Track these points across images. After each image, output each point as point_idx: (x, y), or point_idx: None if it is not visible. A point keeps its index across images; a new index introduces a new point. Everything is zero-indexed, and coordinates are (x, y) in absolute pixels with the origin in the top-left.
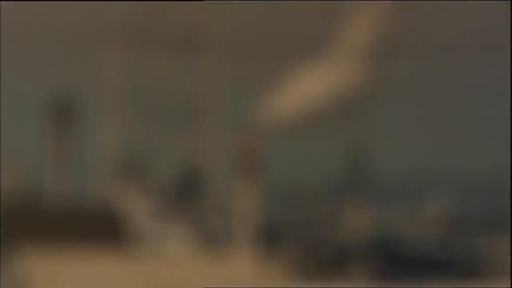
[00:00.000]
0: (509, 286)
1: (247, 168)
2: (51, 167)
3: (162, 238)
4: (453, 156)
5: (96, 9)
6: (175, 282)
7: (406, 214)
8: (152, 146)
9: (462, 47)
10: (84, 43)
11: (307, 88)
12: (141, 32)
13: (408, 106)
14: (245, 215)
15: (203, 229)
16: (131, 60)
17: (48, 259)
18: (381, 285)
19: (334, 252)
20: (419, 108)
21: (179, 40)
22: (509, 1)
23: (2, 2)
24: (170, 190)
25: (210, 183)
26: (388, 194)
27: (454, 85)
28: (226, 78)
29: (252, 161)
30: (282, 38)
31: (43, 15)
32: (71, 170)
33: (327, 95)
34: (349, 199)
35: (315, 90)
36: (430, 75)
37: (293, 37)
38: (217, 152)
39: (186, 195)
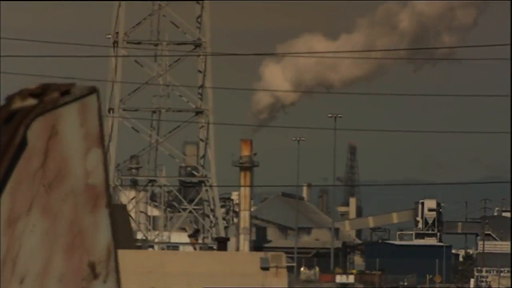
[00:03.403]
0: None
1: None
2: None
3: (164, 231)
4: None
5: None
6: (176, 273)
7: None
8: (154, 147)
9: None
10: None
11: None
12: (143, 32)
13: None
14: (243, 214)
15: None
16: (135, 59)
17: None
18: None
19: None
20: None
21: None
22: (509, 1)
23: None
24: (172, 189)
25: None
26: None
27: None
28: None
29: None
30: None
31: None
32: None
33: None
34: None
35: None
36: None
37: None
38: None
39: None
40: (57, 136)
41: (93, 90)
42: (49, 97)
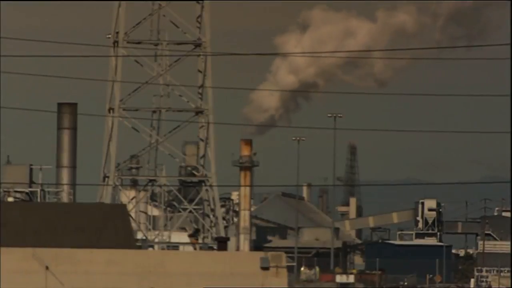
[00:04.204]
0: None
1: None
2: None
3: (165, 231)
4: None
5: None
6: (175, 272)
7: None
8: (154, 147)
9: None
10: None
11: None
12: (143, 32)
13: None
14: (243, 214)
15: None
16: (135, 59)
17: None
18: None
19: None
20: None
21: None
22: (509, 1)
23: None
24: (172, 189)
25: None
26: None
27: None
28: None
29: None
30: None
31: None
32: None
33: None
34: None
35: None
36: None
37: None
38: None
39: (187, 194)
40: None
41: None
42: None
